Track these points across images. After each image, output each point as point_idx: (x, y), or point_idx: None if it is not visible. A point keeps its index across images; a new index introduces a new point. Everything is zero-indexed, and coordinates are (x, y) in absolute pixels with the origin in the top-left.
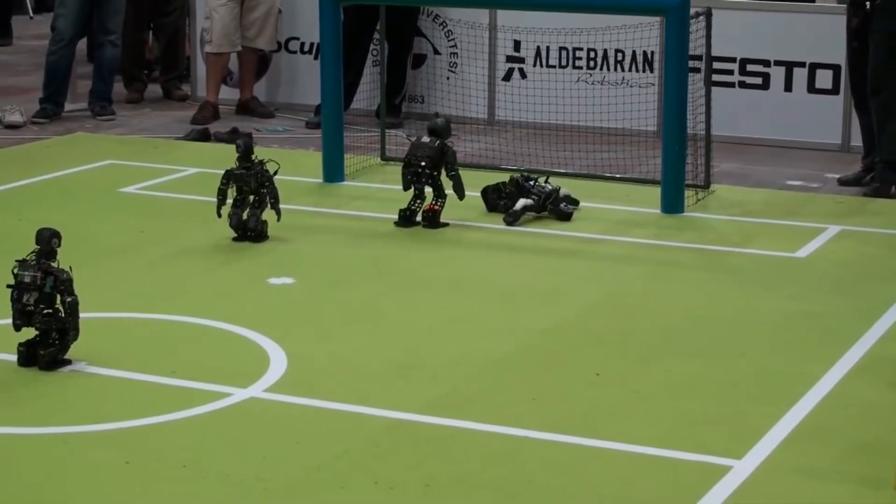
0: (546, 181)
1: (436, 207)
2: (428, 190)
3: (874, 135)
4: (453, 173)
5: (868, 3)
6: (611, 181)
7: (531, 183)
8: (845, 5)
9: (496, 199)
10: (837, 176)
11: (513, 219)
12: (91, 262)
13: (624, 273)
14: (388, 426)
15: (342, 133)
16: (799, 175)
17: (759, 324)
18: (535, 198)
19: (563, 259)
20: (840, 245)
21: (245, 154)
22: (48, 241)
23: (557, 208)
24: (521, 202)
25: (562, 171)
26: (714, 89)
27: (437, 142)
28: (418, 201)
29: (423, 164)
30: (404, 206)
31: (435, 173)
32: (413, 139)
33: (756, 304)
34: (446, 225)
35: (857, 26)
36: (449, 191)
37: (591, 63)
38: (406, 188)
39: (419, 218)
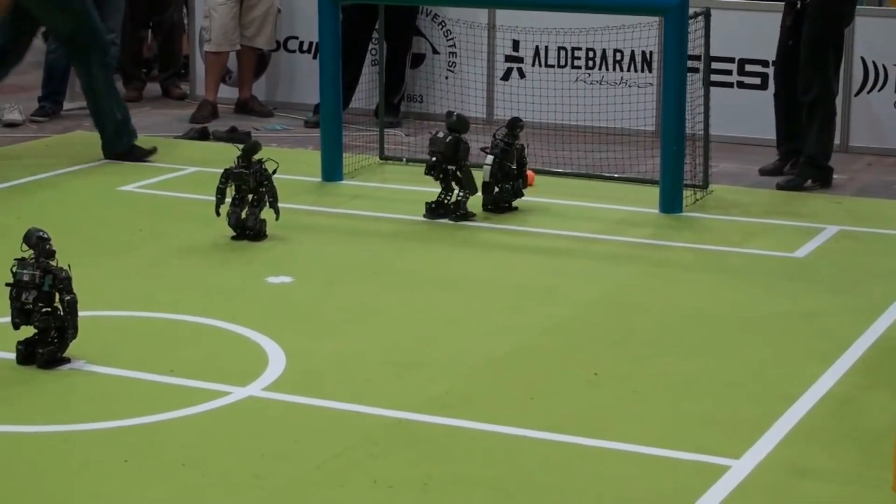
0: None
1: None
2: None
3: (790, 124)
4: (463, 169)
5: (799, 2)
6: (609, 181)
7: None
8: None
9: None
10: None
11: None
12: (90, 260)
13: (622, 273)
14: (387, 425)
15: (341, 132)
16: None
17: (757, 323)
18: (495, 152)
19: (560, 258)
20: (838, 245)
21: (246, 154)
22: (35, 241)
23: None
24: (488, 159)
25: (560, 170)
26: (713, 89)
27: (450, 136)
28: (450, 194)
29: (434, 158)
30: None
31: (449, 167)
32: (430, 133)
33: (754, 303)
34: (473, 215)
35: (791, 25)
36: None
37: (590, 63)
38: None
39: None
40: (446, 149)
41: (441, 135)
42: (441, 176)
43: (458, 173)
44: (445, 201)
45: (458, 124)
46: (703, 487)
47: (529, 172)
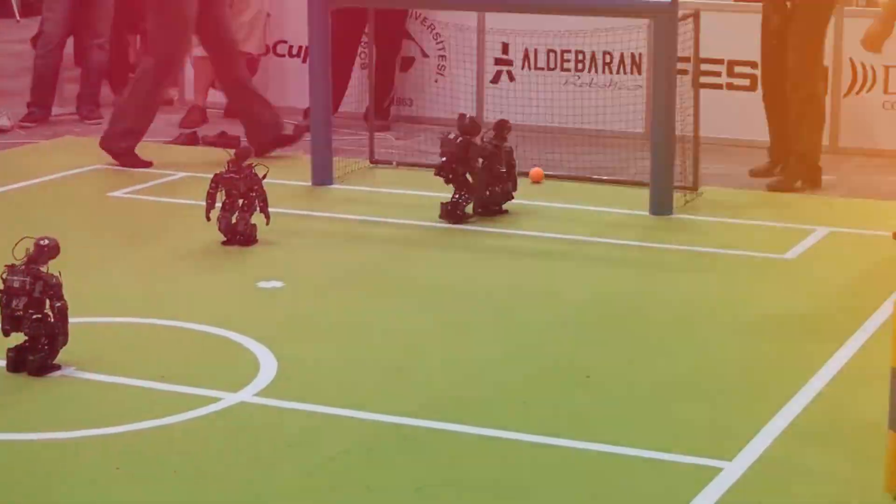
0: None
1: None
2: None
3: (782, 126)
4: (476, 170)
5: (788, 2)
6: (599, 183)
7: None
8: (765, 4)
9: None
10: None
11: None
12: (80, 266)
13: (613, 275)
14: (380, 430)
15: (331, 136)
16: None
17: (748, 325)
18: (483, 155)
19: (552, 261)
20: (828, 246)
21: (237, 159)
22: (44, 252)
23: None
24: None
25: (550, 173)
26: (702, 91)
27: (459, 138)
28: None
29: (443, 159)
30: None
31: (459, 169)
32: (441, 136)
33: (744, 305)
34: (469, 216)
35: (777, 25)
36: None
37: (580, 65)
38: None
39: (468, 209)
40: (456, 150)
41: (452, 136)
42: (450, 177)
43: (468, 175)
44: (460, 201)
45: (470, 127)
46: (695, 489)
47: (539, 170)
